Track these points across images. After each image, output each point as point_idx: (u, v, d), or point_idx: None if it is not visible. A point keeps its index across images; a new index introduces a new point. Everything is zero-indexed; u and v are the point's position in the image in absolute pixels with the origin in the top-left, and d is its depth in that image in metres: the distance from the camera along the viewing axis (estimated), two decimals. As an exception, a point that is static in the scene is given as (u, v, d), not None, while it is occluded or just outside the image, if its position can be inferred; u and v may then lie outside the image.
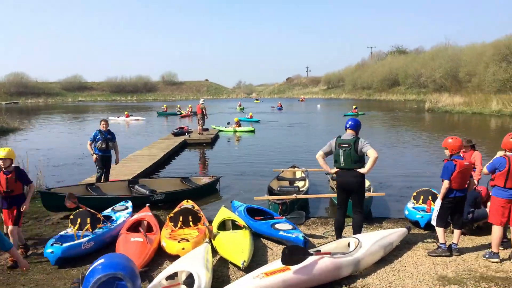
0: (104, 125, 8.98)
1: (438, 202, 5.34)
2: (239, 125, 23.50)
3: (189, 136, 18.98)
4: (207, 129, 21.52)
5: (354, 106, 34.55)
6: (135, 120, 33.07)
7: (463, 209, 5.43)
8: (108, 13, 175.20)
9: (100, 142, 8.78)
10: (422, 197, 6.94)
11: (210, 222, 6.34)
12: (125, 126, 29.09)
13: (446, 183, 5.14)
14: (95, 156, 8.83)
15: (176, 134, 19.35)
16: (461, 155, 5.42)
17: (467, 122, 26.92)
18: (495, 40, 45.65)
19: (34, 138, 21.68)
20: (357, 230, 5.53)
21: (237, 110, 45.38)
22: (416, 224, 6.47)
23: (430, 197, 6.77)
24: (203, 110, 20.46)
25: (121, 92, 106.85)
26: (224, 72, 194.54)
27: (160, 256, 5.42)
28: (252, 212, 6.76)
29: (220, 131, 22.68)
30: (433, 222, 5.40)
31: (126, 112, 35.84)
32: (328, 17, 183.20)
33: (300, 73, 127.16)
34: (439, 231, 5.28)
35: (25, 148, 15.75)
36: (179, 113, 37.50)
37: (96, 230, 5.78)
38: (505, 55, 39.68)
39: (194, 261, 4.43)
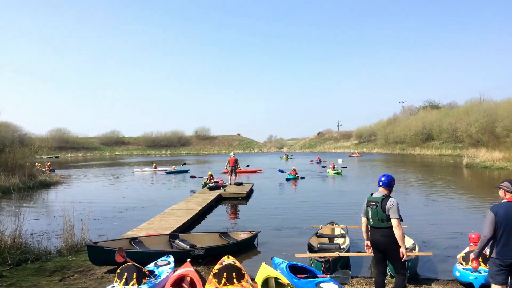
0: None
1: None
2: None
3: (224, 190, 19.13)
4: (241, 183, 21.70)
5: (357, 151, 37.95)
6: (163, 170, 36.27)
7: None
8: (143, 70, 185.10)
9: None
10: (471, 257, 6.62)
11: (252, 279, 6.27)
12: (153, 176, 30.49)
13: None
14: None
15: (211, 188, 19.57)
16: None
17: (509, 177, 25.91)
18: (532, 94, 44.85)
19: (75, 191, 22.41)
20: None
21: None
22: (469, 286, 6.16)
23: (480, 258, 6.47)
24: (237, 162, 22.28)
25: (156, 146, 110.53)
26: (255, 126, 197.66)
27: (205, 314, 5.36)
28: (294, 270, 6.66)
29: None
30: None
31: (154, 164, 39.16)
32: (358, 72, 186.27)
33: (331, 127, 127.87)
34: None
35: (68, 201, 16.31)
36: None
37: (141, 285, 5.81)
38: (544, 110, 38.75)
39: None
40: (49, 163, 42.42)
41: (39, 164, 37.36)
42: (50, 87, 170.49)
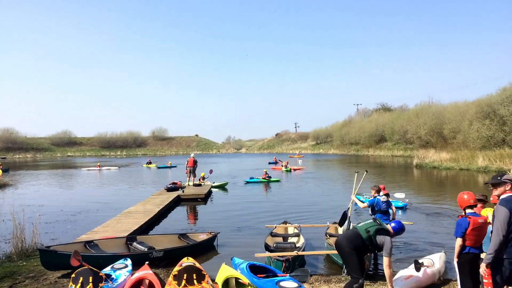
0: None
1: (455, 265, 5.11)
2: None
3: (183, 191, 18.94)
4: (199, 185, 21.58)
5: (298, 151, 40.79)
6: (107, 169, 40.62)
7: (478, 268, 5.06)
8: (98, 69, 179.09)
9: None
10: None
11: (213, 280, 6.28)
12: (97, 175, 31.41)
13: (459, 241, 4.96)
14: None
15: (169, 190, 19.30)
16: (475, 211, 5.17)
17: (455, 178, 27.37)
18: (477, 98, 47.61)
19: (24, 194, 21.36)
20: None
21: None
22: None
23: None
24: (196, 163, 22.14)
25: (111, 147, 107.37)
26: (213, 127, 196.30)
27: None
28: (254, 269, 6.72)
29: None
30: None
31: (98, 164, 43.62)
32: (314, 74, 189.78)
33: (289, 128, 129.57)
34: None
35: (17, 204, 15.55)
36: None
37: (98, 290, 5.68)
38: (488, 113, 41.14)
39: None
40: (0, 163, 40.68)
41: None
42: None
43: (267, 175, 26.98)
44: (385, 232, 5.50)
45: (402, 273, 6.54)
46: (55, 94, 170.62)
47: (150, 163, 50.08)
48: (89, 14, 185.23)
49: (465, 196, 5.12)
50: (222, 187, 23.06)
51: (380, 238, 5.40)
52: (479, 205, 5.90)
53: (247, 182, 25.85)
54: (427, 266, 6.52)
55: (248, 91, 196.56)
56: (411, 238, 10.12)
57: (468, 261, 4.99)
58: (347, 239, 5.49)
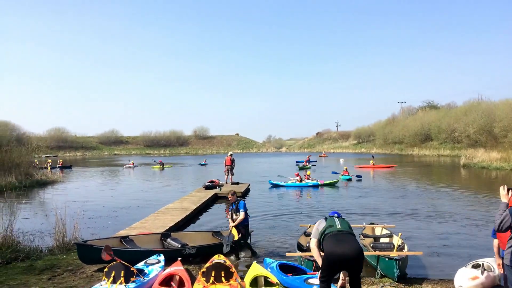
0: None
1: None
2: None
3: (220, 189, 19.10)
4: (237, 183, 21.68)
5: (371, 161, 37.54)
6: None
7: None
8: (144, 71, 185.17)
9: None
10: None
11: (242, 278, 6.25)
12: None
13: (496, 242, 4.68)
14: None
15: (207, 188, 19.54)
16: None
17: (506, 178, 25.92)
18: (530, 95, 44.94)
19: (71, 190, 22.39)
20: None
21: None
22: None
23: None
24: (233, 162, 21.98)
25: (155, 146, 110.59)
26: (254, 126, 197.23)
27: (192, 313, 5.34)
28: (285, 268, 6.65)
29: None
30: None
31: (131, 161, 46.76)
32: (357, 72, 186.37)
33: (330, 127, 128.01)
34: None
35: (63, 200, 16.30)
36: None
37: (129, 284, 5.79)
38: (542, 110, 38.79)
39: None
40: (61, 160, 44.73)
41: (50, 161, 40.09)
42: (50, 86, 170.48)
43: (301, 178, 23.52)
44: None
45: (465, 272, 6.21)
46: (104, 94, 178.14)
47: (162, 164, 43.08)
48: (137, 16, 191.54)
49: None
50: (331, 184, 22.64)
51: None
52: None
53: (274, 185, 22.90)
54: (488, 270, 6.22)
55: (290, 90, 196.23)
56: (457, 240, 9.66)
57: None
58: None
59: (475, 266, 6.28)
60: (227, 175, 22.09)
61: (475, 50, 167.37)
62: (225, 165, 22.15)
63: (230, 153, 23.27)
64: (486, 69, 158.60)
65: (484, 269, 6.10)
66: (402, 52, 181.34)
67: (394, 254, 7.04)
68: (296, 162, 45.79)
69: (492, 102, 57.59)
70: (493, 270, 6.20)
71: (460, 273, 6.18)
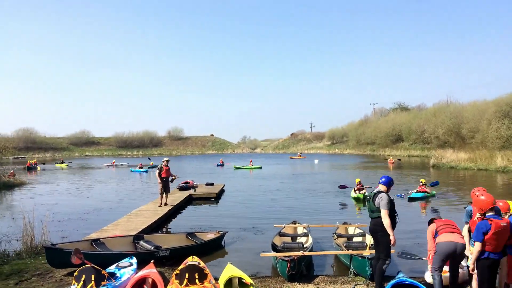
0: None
1: (471, 268, 4.94)
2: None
3: (195, 190, 18.96)
4: (212, 184, 21.54)
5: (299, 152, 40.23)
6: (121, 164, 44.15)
7: (495, 276, 4.97)
8: (115, 69, 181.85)
9: None
10: None
11: (216, 279, 6.21)
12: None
13: (478, 246, 4.72)
14: None
15: (181, 189, 19.37)
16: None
17: (473, 178, 26.76)
18: (496, 97, 46.59)
19: (40, 192, 21.71)
20: (377, 276, 5.98)
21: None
22: None
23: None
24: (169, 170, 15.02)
25: (127, 147, 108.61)
26: (229, 127, 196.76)
27: (165, 316, 5.26)
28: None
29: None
30: None
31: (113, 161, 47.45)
32: (331, 74, 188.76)
33: (304, 128, 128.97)
34: None
35: (31, 203, 15.80)
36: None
37: (100, 288, 5.67)
38: (507, 112, 40.21)
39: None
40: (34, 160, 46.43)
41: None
42: (16, 86, 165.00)
43: None
44: (378, 193, 5.98)
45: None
46: (74, 94, 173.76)
47: (62, 162, 49.93)
48: (107, 14, 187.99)
49: (483, 198, 4.85)
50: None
51: (376, 200, 5.90)
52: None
53: None
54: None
55: (264, 91, 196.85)
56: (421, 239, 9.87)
57: (487, 266, 4.74)
58: (372, 222, 6.05)
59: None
60: (162, 192, 14.62)
61: (446, 52, 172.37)
62: (162, 178, 14.63)
63: (166, 159, 15.56)
64: (456, 71, 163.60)
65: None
66: (374, 55, 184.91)
67: (366, 253, 7.16)
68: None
69: (461, 104, 59.54)
70: (462, 267, 6.39)
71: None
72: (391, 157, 52.07)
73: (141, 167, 37.09)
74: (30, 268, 7.46)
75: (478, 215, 4.94)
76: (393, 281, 5.96)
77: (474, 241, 4.78)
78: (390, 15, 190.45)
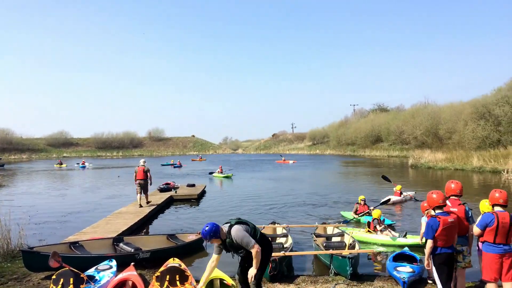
0: None
1: (426, 263, 5.20)
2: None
3: (176, 192, 18.85)
4: (193, 185, 21.44)
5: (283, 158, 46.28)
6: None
7: (452, 268, 5.21)
8: (95, 70, 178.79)
9: None
10: None
11: (198, 281, 6.19)
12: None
13: (430, 242, 4.98)
14: None
15: (162, 190, 19.22)
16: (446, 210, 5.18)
17: (450, 178, 27.31)
18: (472, 99, 47.71)
19: (16, 194, 21.21)
20: None
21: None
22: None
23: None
24: (148, 173, 14.90)
25: (107, 148, 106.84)
26: (210, 127, 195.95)
27: (145, 318, 5.23)
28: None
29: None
30: None
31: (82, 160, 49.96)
32: (312, 75, 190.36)
33: (285, 129, 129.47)
34: None
35: (7, 205, 15.43)
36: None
37: (79, 291, 5.59)
38: (483, 113, 41.18)
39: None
40: None
41: None
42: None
43: None
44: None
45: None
46: (52, 94, 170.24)
47: (61, 163, 50.93)
48: (85, 15, 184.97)
49: (434, 196, 5.13)
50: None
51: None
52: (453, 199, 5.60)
53: None
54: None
55: (246, 91, 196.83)
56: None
57: (443, 261, 5.01)
58: None
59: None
60: (140, 193, 14.63)
61: (424, 53, 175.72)
62: (136, 180, 14.66)
63: (142, 160, 15.35)
64: (434, 73, 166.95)
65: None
66: (354, 56, 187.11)
67: (346, 252, 7.26)
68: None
69: (438, 105, 60.76)
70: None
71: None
72: (282, 158, 54.63)
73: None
74: (7, 272, 7.29)
75: (431, 212, 5.25)
76: (396, 252, 7.34)
77: (426, 239, 5.04)
78: (370, 17, 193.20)
